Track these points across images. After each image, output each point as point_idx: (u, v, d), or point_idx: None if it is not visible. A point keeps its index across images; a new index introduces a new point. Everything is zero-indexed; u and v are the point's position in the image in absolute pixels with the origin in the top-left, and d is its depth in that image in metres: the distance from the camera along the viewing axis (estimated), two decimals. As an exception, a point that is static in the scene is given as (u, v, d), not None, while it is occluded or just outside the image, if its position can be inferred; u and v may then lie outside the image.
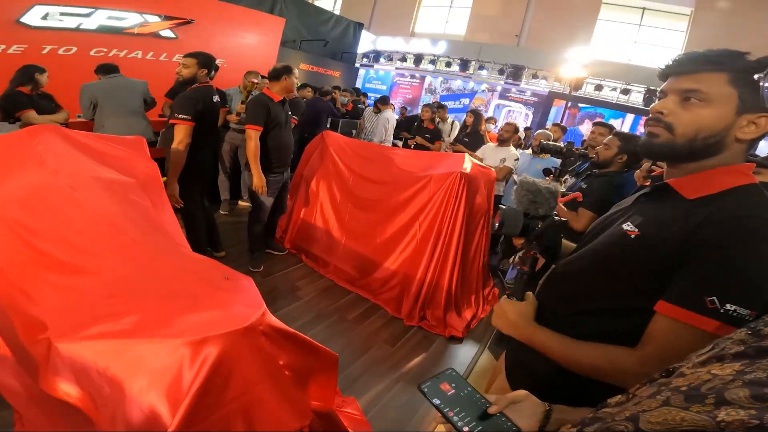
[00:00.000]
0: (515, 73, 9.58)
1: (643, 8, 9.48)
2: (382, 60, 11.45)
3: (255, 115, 2.56)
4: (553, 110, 9.44)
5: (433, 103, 6.04)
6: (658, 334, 0.69)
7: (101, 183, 1.47)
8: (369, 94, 6.91)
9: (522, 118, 9.84)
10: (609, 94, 8.89)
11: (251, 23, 6.14)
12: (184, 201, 2.58)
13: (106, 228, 1.24)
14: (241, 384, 0.88)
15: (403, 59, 10.95)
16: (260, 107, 2.57)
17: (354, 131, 5.34)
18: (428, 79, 11.26)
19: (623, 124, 8.63)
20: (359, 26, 9.63)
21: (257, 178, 2.61)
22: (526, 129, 6.89)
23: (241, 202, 4.32)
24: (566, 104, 9.13)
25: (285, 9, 7.22)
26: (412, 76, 11.50)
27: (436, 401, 0.62)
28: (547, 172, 2.99)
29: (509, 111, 10.03)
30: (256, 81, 3.55)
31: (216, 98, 2.65)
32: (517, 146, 4.06)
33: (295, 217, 3.33)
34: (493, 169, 3.03)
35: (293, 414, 0.96)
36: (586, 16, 9.70)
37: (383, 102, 5.37)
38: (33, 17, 4.21)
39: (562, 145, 2.66)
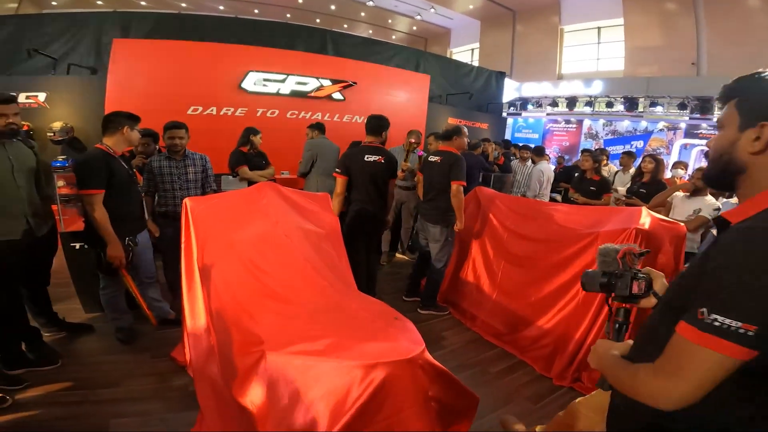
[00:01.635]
0: (702, 106, 8.19)
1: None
2: (529, 107, 11.18)
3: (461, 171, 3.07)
4: None
5: (596, 149, 5.75)
6: (668, 346, 0.74)
7: (304, 232, 2.00)
8: (518, 144, 6.89)
9: None
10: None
11: (401, 82, 7.01)
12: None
13: (309, 270, 1.70)
14: (393, 406, 1.11)
15: (554, 104, 10.47)
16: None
17: (505, 185, 5.37)
18: (587, 122, 10.51)
19: None
20: (501, 75, 9.75)
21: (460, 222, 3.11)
22: None
23: (398, 254, 4.89)
24: None
25: (428, 66, 8.02)
26: (567, 121, 10.90)
27: None
28: None
29: (701, 151, 8.51)
30: (413, 141, 4.10)
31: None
32: (719, 195, 3.49)
33: (447, 272, 3.53)
34: (682, 224, 2.76)
35: None
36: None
37: (537, 153, 5.21)
38: (249, 83, 5.56)
39: None
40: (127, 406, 2.09)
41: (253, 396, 1.38)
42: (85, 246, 2.59)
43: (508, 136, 10.96)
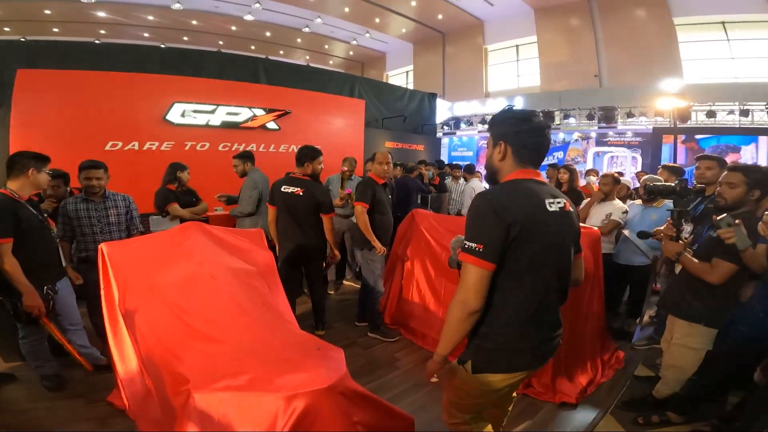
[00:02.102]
0: (606, 116, 9.15)
1: (722, 22, 8.97)
2: (462, 125, 11.91)
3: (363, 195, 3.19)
4: (665, 148, 8.54)
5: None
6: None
7: (232, 271, 1.99)
8: (457, 163, 7.14)
9: (629, 162, 9.20)
10: (727, 119, 8.06)
11: (337, 108, 7.07)
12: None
13: (234, 308, 1.70)
14: None
15: (483, 121, 11.22)
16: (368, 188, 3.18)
17: (443, 205, 5.51)
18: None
19: (758, 149, 7.66)
20: (433, 96, 10.34)
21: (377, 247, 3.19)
22: (639, 173, 6.22)
23: (345, 282, 4.89)
24: (675, 138, 8.19)
25: (363, 91, 8.26)
26: (497, 137, 11.89)
27: None
28: (643, 235, 2.69)
29: (612, 157, 9.46)
30: (345, 169, 4.17)
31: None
32: (627, 197, 3.89)
33: (393, 293, 3.62)
34: (596, 228, 3.04)
35: None
36: (662, 42, 9.39)
37: (468, 171, 5.49)
38: (175, 115, 5.24)
39: (673, 184, 2.35)
40: None
41: None
42: (-1, 297, 2.38)
43: (444, 155, 11.52)
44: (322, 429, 1.14)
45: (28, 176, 2.28)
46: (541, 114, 10.14)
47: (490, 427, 1.60)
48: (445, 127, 12.22)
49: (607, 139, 9.76)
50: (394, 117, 8.88)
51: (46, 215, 2.52)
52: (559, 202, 1.32)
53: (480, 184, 5.61)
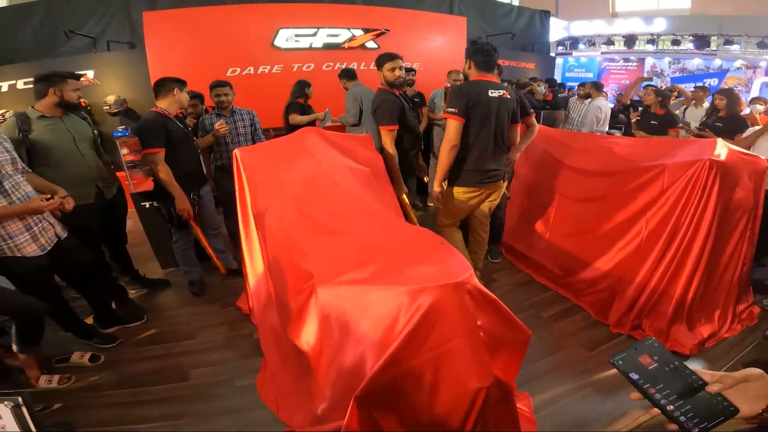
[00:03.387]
0: None
1: None
2: (581, 46, 10.49)
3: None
4: None
5: (664, 87, 5.28)
6: None
7: (349, 170, 2.00)
8: (569, 84, 6.61)
9: None
10: None
11: (436, 26, 6.68)
12: None
13: (354, 202, 1.69)
14: (441, 334, 1.06)
15: (609, 42, 9.78)
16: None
17: (556, 122, 5.11)
18: (649, 60, 9.66)
19: None
20: (545, 14, 9.24)
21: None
22: None
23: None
24: None
25: (463, 8, 7.58)
26: (626, 60, 10.03)
27: (634, 376, 0.58)
28: None
29: None
30: (448, 84, 4.02)
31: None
32: None
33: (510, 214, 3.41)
34: (764, 158, 2.49)
35: (477, 373, 1.09)
36: None
37: (596, 88, 4.91)
38: (281, 40, 5.60)
39: None
40: (203, 356, 2.31)
41: (308, 336, 1.43)
42: (155, 204, 2.85)
43: (558, 75, 10.34)
44: (446, 328, 1.06)
45: (174, 95, 2.55)
46: (690, 38, 8.41)
47: (461, 235, 2.69)
48: (560, 47, 10.76)
49: None
50: (500, 34, 8.06)
51: (189, 129, 2.79)
52: (499, 92, 2.29)
53: (607, 104, 4.92)
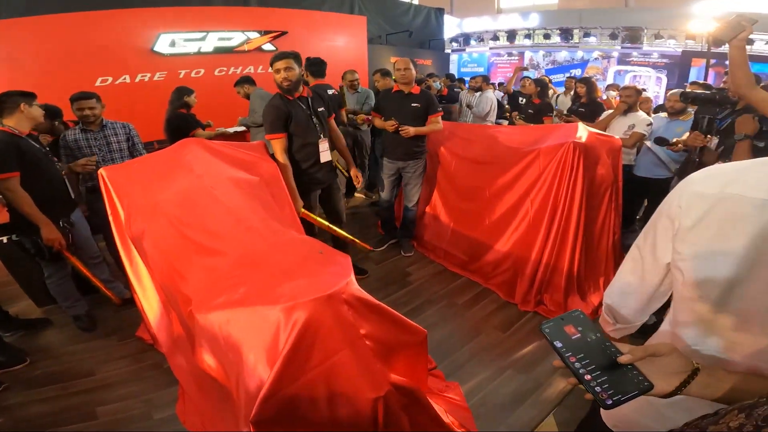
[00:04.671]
0: (632, 36, 8.75)
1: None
2: (472, 42, 11.36)
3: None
4: (693, 71, 8.29)
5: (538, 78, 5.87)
6: None
7: (233, 182, 1.85)
8: (465, 79, 7.08)
9: (653, 82, 8.86)
10: (763, 48, 7.68)
11: (337, 26, 6.72)
12: None
13: (234, 218, 1.58)
14: (324, 349, 1.02)
15: (495, 38, 10.75)
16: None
17: (452, 115, 5.40)
18: (528, 54, 10.88)
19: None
20: (440, 12, 9.73)
21: None
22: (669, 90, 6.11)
23: (357, 194, 4.89)
24: (707, 62, 7.82)
25: (364, 7, 7.70)
26: (509, 54, 11.18)
27: (558, 344, 0.59)
28: (660, 141, 2.62)
29: (634, 76, 9.15)
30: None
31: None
32: (647, 112, 3.70)
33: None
34: (617, 138, 2.87)
35: (369, 384, 1.07)
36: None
37: (485, 81, 5.26)
38: (163, 45, 5.16)
39: (714, 91, 2.17)
40: (108, 392, 2.06)
41: (208, 360, 1.30)
42: (13, 237, 2.40)
43: (453, 71, 10.97)
44: (328, 342, 1.02)
45: (22, 111, 2.19)
46: (557, 31, 9.61)
47: None
48: (453, 43, 11.48)
49: (630, 59, 9.39)
50: (399, 32, 8.38)
51: (47, 148, 2.42)
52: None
53: (493, 96, 5.33)
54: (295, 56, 2.37)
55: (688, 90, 2.43)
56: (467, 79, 6.33)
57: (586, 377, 0.55)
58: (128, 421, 1.88)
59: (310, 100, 2.47)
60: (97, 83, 4.72)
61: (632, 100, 3.12)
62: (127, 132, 2.83)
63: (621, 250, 2.93)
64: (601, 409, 0.86)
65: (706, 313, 0.64)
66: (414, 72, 3.05)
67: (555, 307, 2.55)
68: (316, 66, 3.60)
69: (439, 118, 3.06)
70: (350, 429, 1.09)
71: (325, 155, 2.57)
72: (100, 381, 2.13)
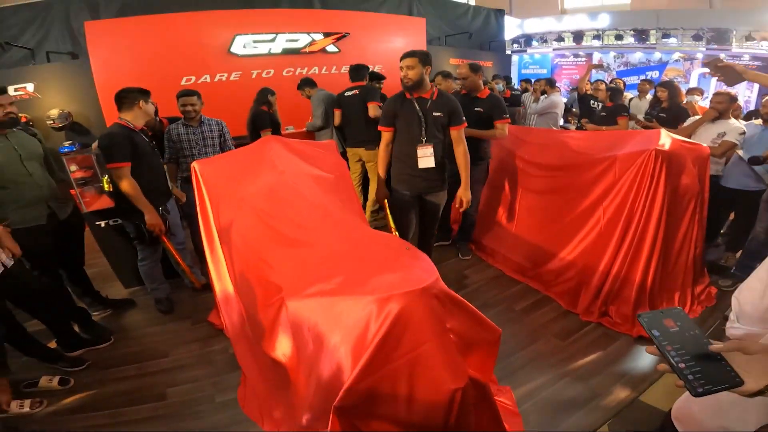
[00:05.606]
0: (718, 38, 7.96)
1: None
2: (534, 43, 10.91)
3: None
4: None
5: (610, 80, 5.56)
6: None
7: (312, 178, 1.97)
8: (531, 80, 6.84)
9: (743, 86, 8.05)
10: None
11: (396, 27, 6.81)
12: None
13: (319, 212, 1.67)
14: (412, 340, 1.06)
15: (560, 38, 10.25)
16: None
17: (515, 118, 5.29)
18: (596, 55, 10.23)
19: None
20: (500, 13, 9.52)
21: None
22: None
23: None
24: None
25: (422, 9, 7.71)
26: (576, 55, 10.61)
27: (656, 333, 0.62)
28: (755, 161, 2.49)
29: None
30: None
31: None
32: (737, 118, 3.38)
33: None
34: (706, 146, 2.62)
35: (451, 375, 1.10)
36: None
37: (550, 84, 5.13)
38: (238, 47, 5.50)
39: None
40: (179, 374, 2.22)
41: (283, 348, 1.40)
42: (112, 222, 2.70)
43: (514, 73, 10.72)
44: (416, 333, 1.07)
45: (140, 107, 2.45)
46: (631, 32, 8.99)
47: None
48: (514, 44, 11.13)
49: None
50: (458, 34, 8.29)
51: (155, 143, 2.68)
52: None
53: (561, 99, 5.13)
54: (420, 55, 2.31)
55: None
56: (533, 80, 6.11)
57: (680, 365, 0.58)
58: (194, 403, 2.01)
59: (428, 101, 2.36)
60: (182, 82, 5.14)
61: (723, 107, 2.89)
62: (220, 128, 3.11)
63: (702, 264, 2.72)
64: (674, 410, 0.91)
65: None
66: (476, 77, 3.01)
67: (621, 320, 2.43)
68: (354, 71, 3.76)
69: (506, 124, 2.98)
70: (425, 417, 1.13)
71: (424, 161, 2.42)
72: (173, 362, 2.31)
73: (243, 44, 5.57)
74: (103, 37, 4.73)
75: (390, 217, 2.63)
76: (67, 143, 2.38)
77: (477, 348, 1.27)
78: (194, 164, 2.20)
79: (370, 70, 3.93)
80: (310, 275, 1.30)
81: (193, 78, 5.27)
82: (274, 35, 5.78)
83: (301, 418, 1.36)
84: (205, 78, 5.36)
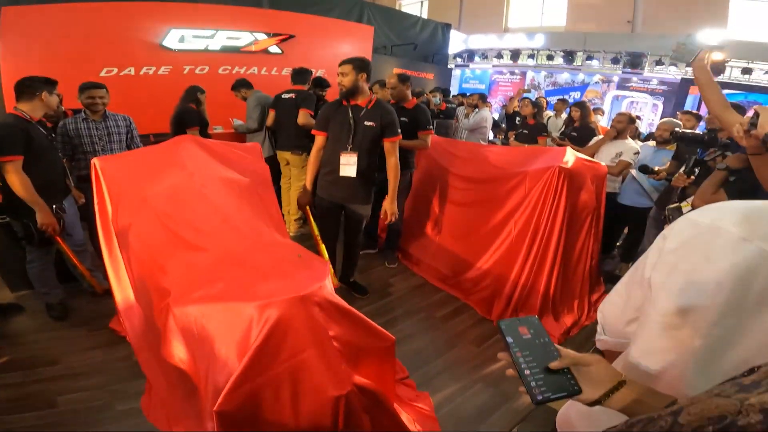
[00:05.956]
0: (633, 62, 8.79)
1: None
2: (476, 59, 11.34)
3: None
4: (689, 98, 8.41)
5: (537, 98, 5.98)
6: None
7: (223, 181, 1.90)
8: (465, 94, 7.14)
9: (649, 109, 9.01)
10: (762, 78, 7.77)
11: (343, 33, 6.82)
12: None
13: (219, 216, 1.63)
14: (292, 347, 1.07)
15: (499, 56, 10.69)
16: None
17: (448, 131, 5.48)
18: (530, 74, 10.98)
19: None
20: (447, 27, 9.83)
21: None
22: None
23: None
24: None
25: (372, 17, 7.76)
26: (512, 73, 11.26)
27: (510, 339, 0.66)
28: (644, 169, 2.75)
29: (631, 102, 9.31)
30: None
31: None
32: (634, 138, 3.78)
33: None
34: (604, 165, 2.89)
35: (333, 382, 1.12)
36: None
37: (482, 99, 5.39)
38: (172, 40, 5.17)
39: (702, 132, 2.30)
40: (72, 381, 2.04)
41: (178, 353, 1.33)
42: (4, 219, 2.41)
43: (455, 86, 11.18)
44: (296, 340, 1.07)
45: (42, 99, 2.25)
46: (561, 53, 9.73)
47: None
48: (457, 59, 11.59)
49: (630, 85, 9.48)
50: (404, 45, 8.45)
51: (52, 135, 2.46)
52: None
53: (489, 114, 5.42)
54: (355, 62, 2.32)
55: (677, 130, 2.55)
56: (468, 94, 6.41)
57: (525, 372, 0.61)
58: (89, 411, 1.87)
59: (363, 110, 2.38)
60: (102, 73, 4.74)
61: (622, 126, 3.20)
62: (128, 124, 2.89)
63: (598, 274, 2.98)
64: (558, 415, 0.96)
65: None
66: (404, 87, 3.11)
67: (530, 327, 2.58)
68: (297, 74, 3.72)
69: (429, 135, 3.09)
70: (312, 424, 1.14)
71: (346, 169, 2.41)
72: (65, 370, 2.12)
73: (178, 38, 5.28)
74: (19, 24, 4.29)
75: (313, 223, 2.61)
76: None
77: (369, 356, 1.29)
78: (94, 160, 2.04)
79: (315, 75, 3.87)
80: (197, 280, 1.28)
81: (115, 69, 4.87)
82: (214, 31, 5.53)
83: (207, 427, 1.32)
84: (129, 70, 4.98)
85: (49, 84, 2.30)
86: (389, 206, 2.51)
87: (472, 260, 2.93)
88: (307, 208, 2.62)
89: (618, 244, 3.59)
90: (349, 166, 2.40)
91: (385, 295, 3.00)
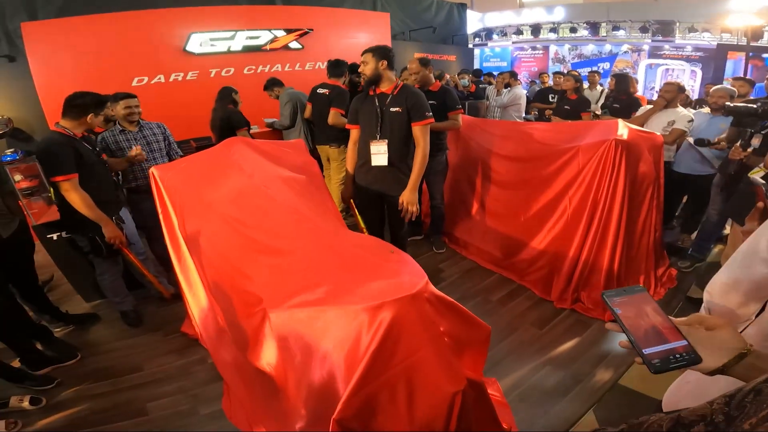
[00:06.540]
0: (663, 29, 8.44)
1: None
2: (495, 37, 11.13)
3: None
4: (729, 63, 7.99)
5: (566, 72, 5.74)
6: None
7: (283, 180, 1.88)
8: (494, 73, 6.99)
9: (687, 75, 8.55)
10: None
11: (360, 23, 6.73)
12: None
13: (293, 216, 1.60)
14: (407, 347, 1.03)
15: (519, 32, 10.47)
16: None
17: (479, 112, 5.35)
18: (553, 48, 10.62)
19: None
20: (462, 7, 9.66)
21: None
22: (707, 85, 5.69)
23: None
24: (746, 56, 7.60)
25: (386, 4, 7.71)
26: (533, 48, 10.93)
27: (618, 310, 0.62)
28: (700, 143, 2.64)
29: (667, 70, 8.88)
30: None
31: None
32: (686, 107, 3.58)
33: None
34: (659, 134, 2.78)
35: (449, 379, 1.08)
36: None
37: (513, 77, 5.26)
38: (194, 45, 5.17)
39: (756, 105, 2.16)
40: (157, 387, 2.11)
41: (268, 357, 1.34)
42: (65, 234, 2.49)
43: (476, 66, 10.89)
44: (411, 340, 1.04)
45: (88, 121, 2.26)
46: (585, 25, 9.36)
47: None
48: (476, 38, 11.32)
49: (663, 53, 9.04)
50: (422, 29, 8.33)
51: (98, 150, 2.47)
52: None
53: (523, 91, 5.25)
54: (374, 50, 2.26)
55: (729, 104, 2.41)
56: (496, 74, 6.22)
57: (638, 342, 0.57)
58: (177, 416, 1.92)
59: (389, 96, 2.31)
60: (134, 83, 4.80)
61: (671, 96, 3.04)
62: (163, 131, 2.88)
63: (662, 248, 2.85)
64: (665, 396, 0.91)
65: None
66: (427, 71, 3.03)
67: (593, 305, 2.51)
68: (333, 67, 3.64)
69: (459, 115, 3.03)
70: (428, 422, 1.12)
71: (377, 158, 2.36)
72: (148, 377, 2.18)
73: (200, 42, 5.28)
74: (42, 39, 4.34)
75: (358, 216, 2.59)
76: (9, 151, 2.16)
77: (469, 348, 1.27)
78: (152, 170, 2.05)
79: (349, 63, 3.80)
80: (291, 285, 1.25)
81: (146, 78, 4.93)
82: (233, 32, 5.52)
83: (295, 425, 1.32)
84: (159, 78, 5.03)
85: (98, 106, 2.30)
86: (406, 196, 2.31)
87: (525, 240, 2.85)
88: (351, 201, 2.60)
89: (677, 214, 3.42)
90: (380, 155, 2.35)
91: (438, 282, 2.96)
